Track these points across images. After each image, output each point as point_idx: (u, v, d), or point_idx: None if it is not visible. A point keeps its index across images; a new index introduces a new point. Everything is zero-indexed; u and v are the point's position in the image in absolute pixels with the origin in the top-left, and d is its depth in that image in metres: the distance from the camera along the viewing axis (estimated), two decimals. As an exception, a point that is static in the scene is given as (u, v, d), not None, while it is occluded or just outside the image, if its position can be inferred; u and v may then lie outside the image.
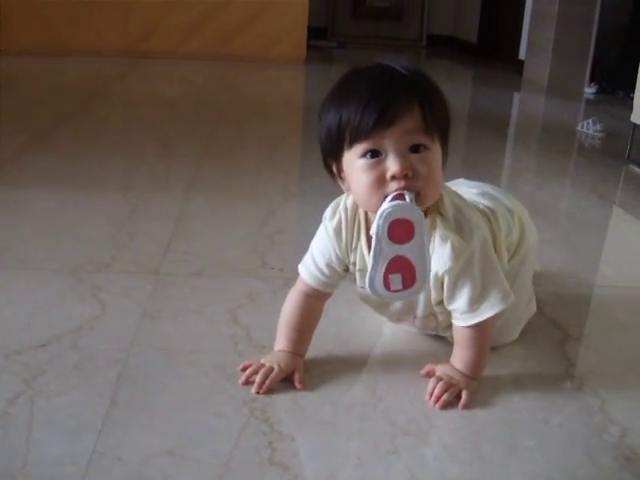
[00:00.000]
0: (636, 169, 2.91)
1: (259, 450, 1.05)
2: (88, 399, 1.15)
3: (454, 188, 1.28)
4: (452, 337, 1.29)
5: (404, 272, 1.12)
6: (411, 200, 1.09)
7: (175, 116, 3.63)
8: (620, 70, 4.74)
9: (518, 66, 5.60)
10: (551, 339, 1.44)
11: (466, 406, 1.18)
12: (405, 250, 1.11)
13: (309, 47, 5.75)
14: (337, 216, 1.25)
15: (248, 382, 1.21)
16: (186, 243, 1.84)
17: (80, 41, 5.25)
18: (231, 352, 1.32)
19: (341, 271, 1.28)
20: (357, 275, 1.27)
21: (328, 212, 1.27)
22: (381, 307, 1.34)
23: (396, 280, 1.12)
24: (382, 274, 1.12)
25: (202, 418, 1.12)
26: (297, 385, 1.21)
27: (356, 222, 1.24)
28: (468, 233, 1.19)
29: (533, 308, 1.47)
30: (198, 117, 3.61)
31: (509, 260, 1.35)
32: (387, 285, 1.13)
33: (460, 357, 1.24)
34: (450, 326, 1.28)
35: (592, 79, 5.00)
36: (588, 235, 2.14)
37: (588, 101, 4.75)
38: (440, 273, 1.19)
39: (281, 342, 1.28)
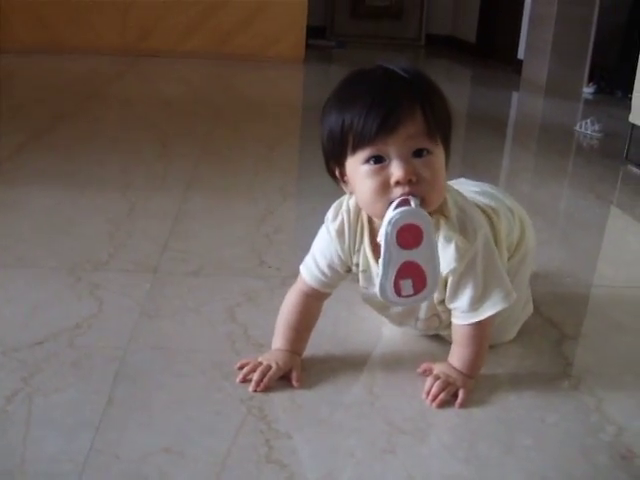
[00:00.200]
0: (634, 169, 2.91)
1: (256, 448, 1.05)
2: (85, 397, 1.16)
3: (456, 187, 1.29)
4: (450, 336, 1.29)
5: (414, 277, 1.12)
6: (417, 205, 1.10)
7: (173, 115, 3.63)
8: (618, 70, 4.75)
9: (517, 66, 5.61)
10: (548, 338, 1.45)
11: (463, 405, 1.18)
12: (414, 255, 1.11)
13: (308, 46, 5.76)
14: (340, 218, 1.25)
15: (245, 380, 1.21)
16: (184, 242, 1.84)
17: (79, 40, 5.25)
18: (228, 350, 1.32)
19: (343, 272, 1.29)
20: (360, 276, 1.28)
21: (330, 213, 1.27)
22: (383, 309, 1.34)
23: (407, 285, 1.12)
24: (393, 281, 1.12)
25: (199, 416, 1.12)
26: (294, 383, 1.21)
27: (359, 224, 1.24)
28: (472, 233, 1.19)
29: (530, 309, 1.47)
30: (196, 116, 3.61)
31: (509, 259, 1.35)
32: (398, 291, 1.13)
33: (458, 355, 1.25)
34: (450, 325, 1.28)
35: (590, 79, 5.01)
36: (586, 235, 2.14)
37: (586, 101, 4.76)
38: (444, 273, 1.19)
39: (279, 341, 1.28)
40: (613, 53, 4.94)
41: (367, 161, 1.12)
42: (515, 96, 5.07)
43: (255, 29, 5.48)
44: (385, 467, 1.04)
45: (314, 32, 6.40)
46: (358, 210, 1.24)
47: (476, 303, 1.20)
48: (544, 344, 1.43)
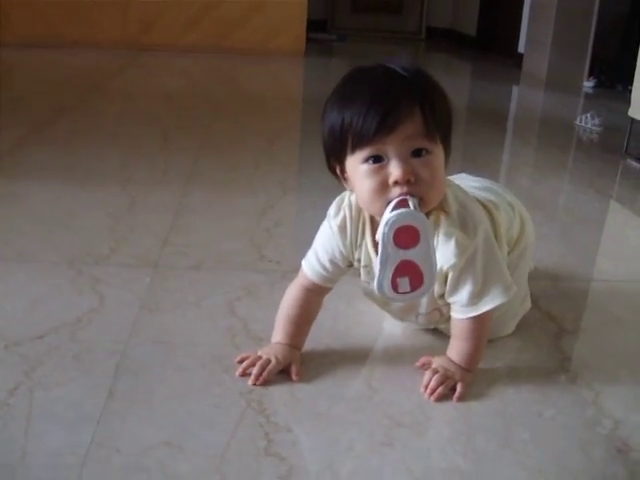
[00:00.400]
0: (634, 163, 2.92)
1: (255, 441, 1.06)
2: (86, 390, 1.17)
3: (457, 182, 1.29)
4: (449, 329, 1.30)
5: (411, 275, 1.13)
6: (414, 205, 1.10)
7: (174, 109, 3.63)
8: (619, 64, 4.75)
9: (517, 59, 5.60)
10: (546, 333, 1.46)
11: (461, 398, 1.19)
12: (411, 255, 1.12)
13: (308, 40, 5.75)
14: (342, 213, 1.25)
15: (245, 374, 1.22)
16: (184, 236, 1.85)
17: (79, 34, 5.25)
18: (228, 344, 1.33)
19: (344, 267, 1.29)
20: (362, 271, 1.28)
21: (332, 209, 1.27)
22: (384, 304, 1.35)
23: (404, 283, 1.13)
24: (390, 278, 1.13)
25: (199, 409, 1.13)
26: (294, 377, 1.22)
27: (361, 219, 1.25)
28: (472, 229, 1.20)
29: (528, 304, 1.48)
30: (197, 110, 3.62)
31: (508, 254, 1.36)
32: (395, 288, 1.14)
33: (457, 349, 1.25)
34: (450, 318, 1.29)
35: (591, 73, 5.01)
36: (585, 229, 2.15)
37: (587, 95, 4.76)
38: (445, 268, 1.20)
39: (279, 334, 1.29)
40: (614, 46, 4.93)
41: (366, 160, 1.13)
42: (515, 90, 5.07)
43: (256, 23, 5.48)
44: (384, 460, 1.04)
45: (315, 25, 6.40)
46: (360, 206, 1.25)
47: (475, 297, 1.21)
48: (542, 338, 1.43)
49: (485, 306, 1.21)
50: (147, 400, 1.15)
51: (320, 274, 1.29)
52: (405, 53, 6.55)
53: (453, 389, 1.21)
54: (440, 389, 1.20)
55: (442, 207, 1.19)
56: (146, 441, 1.05)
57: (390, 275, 1.13)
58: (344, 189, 1.25)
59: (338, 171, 1.20)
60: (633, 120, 3.00)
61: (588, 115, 3.59)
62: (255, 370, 1.21)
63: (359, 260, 1.27)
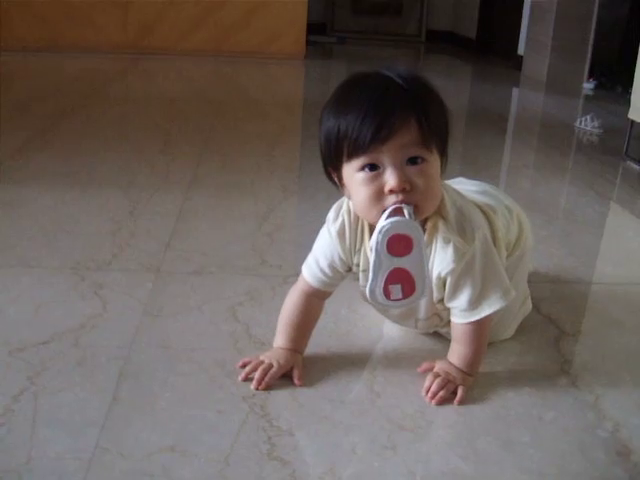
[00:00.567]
0: (633, 165, 2.92)
1: (258, 445, 1.07)
2: (90, 396, 1.17)
3: (454, 186, 1.30)
4: (449, 333, 1.31)
5: (403, 283, 1.14)
6: (409, 213, 1.11)
7: (175, 113, 3.64)
8: (619, 66, 4.76)
9: (517, 62, 5.61)
10: (546, 336, 1.46)
11: (462, 402, 1.20)
12: (404, 263, 1.13)
13: (308, 43, 5.76)
14: (340, 219, 1.26)
15: (247, 379, 1.23)
16: (186, 241, 1.86)
17: (80, 38, 5.25)
18: (231, 349, 1.34)
19: (343, 272, 1.30)
20: (360, 275, 1.29)
21: (331, 214, 1.28)
22: (383, 309, 1.36)
23: (396, 290, 1.15)
24: (382, 285, 1.15)
25: (202, 414, 1.14)
26: (296, 381, 1.23)
27: (359, 224, 1.26)
28: (470, 234, 1.21)
29: (528, 307, 1.49)
30: (198, 114, 3.63)
31: (507, 257, 1.36)
32: (387, 295, 1.15)
33: (457, 353, 1.26)
34: (450, 322, 1.30)
35: (591, 75, 5.02)
36: (585, 232, 2.15)
37: (587, 97, 4.76)
38: (443, 274, 1.22)
39: (280, 339, 1.30)
40: (614, 48, 4.94)
41: (362, 169, 1.14)
42: (515, 92, 5.08)
43: (256, 26, 5.48)
44: (385, 463, 1.05)
45: (315, 28, 6.40)
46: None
47: (474, 302, 1.22)
48: (542, 341, 1.44)
49: (484, 311, 1.22)
50: (150, 405, 1.16)
51: (320, 279, 1.30)
52: (405, 55, 6.57)
53: (454, 393, 1.22)
54: (441, 393, 1.21)
55: (440, 213, 1.20)
56: (150, 446, 1.06)
57: (382, 282, 1.14)
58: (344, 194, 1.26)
59: (335, 177, 1.21)
60: (633, 122, 3.00)
61: (588, 117, 3.60)
62: (257, 375, 1.22)
63: (358, 265, 1.27)
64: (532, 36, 5.37)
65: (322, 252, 1.29)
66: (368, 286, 1.16)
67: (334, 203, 1.29)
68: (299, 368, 1.26)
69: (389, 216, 1.12)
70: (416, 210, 1.13)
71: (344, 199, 1.27)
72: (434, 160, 1.15)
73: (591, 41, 4.96)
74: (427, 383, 1.23)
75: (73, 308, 1.47)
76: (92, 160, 2.59)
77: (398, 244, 1.12)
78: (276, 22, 5.51)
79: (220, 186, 2.36)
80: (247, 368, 1.24)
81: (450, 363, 1.26)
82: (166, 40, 5.41)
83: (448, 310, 1.28)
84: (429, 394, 1.21)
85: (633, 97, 3.03)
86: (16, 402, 1.14)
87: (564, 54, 5.01)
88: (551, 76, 5.05)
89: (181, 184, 2.34)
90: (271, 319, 1.36)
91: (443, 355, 1.29)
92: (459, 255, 1.19)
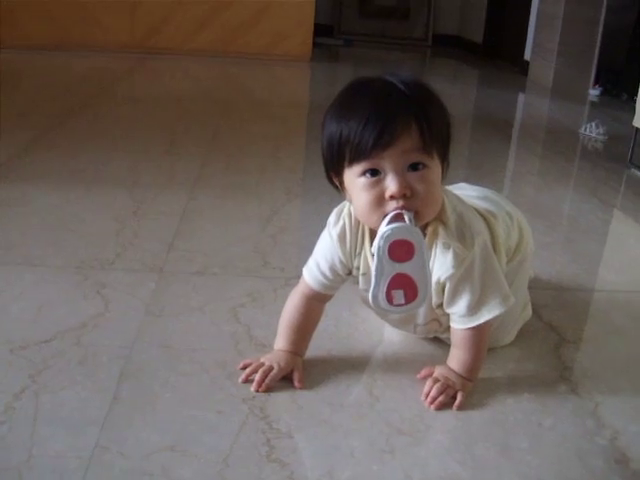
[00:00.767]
0: (637, 173, 2.92)
1: (257, 447, 1.08)
2: (91, 395, 1.18)
3: (456, 192, 1.31)
4: (449, 338, 1.31)
5: (406, 288, 1.15)
6: (410, 219, 1.12)
7: (181, 113, 3.65)
8: (625, 73, 4.76)
9: (523, 67, 5.61)
10: (547, 342, 1.47)
11: (461, 407, 1.21)
12: (406, 268, 1.14)
13: (315, 45, 5.76)
14: (341, 222, 1.27)
15: (248, 380, 1.23)
16: (189, 241, 1.86)
17: (86, 37, 5.26)
18: (232, 350, 1.35)
19: (344, 275, 1.31)
20: (360, 279, 1.30)
21: (332, 218, 1.29)
22: (383, 313, 1.37)
23: (398, 295, 1.15)
24: (385, 291, 1.15)
25: (202, 415, 1.15)
26: (296, 384, 1.24)
27: (360, 228, 1.26)
28: (469, 240, 1.21)
29: (529, 312, 1.49)
30: (204, 114, 3.63)
31: (507, 263, 1.37)
32: (390, 300, 1.16)
33: (457, 359, 1.27)
34: (450, 327, 1.30)
35: (597, 81, 5.02)
36: (588, 239, 2.15)
37: (592, 103, 4.76)
38: (442, 279, 1.22)
39: (281, 342, 1.31)
40: (620, 55, 4.94)
41: (363, 174, 1.14)
42: (521, 97, 5.08)
43: (263, 27, 5.49)
44: (384, 467, 1.06)
45: (321, 30, 6.41)
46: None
47: (473, 308, 1.22)
48: (543, 348, 1.45)
49: (483, 316, 1.22)
50: (151, 405, 1.17)
51: (320, 282, 1.30)
52: (411, 59, 6.57)
53: (453, 398, 1.22)
54: (440, 398, 1.21)
55: (440, 218, 1.21)
56: (150, 445, 1.06)
57: (385, 288, 1.15)
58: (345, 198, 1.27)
59: (336, 182, 1.22)
60: (638, 130, 3.00)
61: (593, 124, 3.60)
62: (257, 377, 1.23)
63: (358, 268, 1.28)
64: (538, 42, 5.38)
65: (323, 255, 1.29)
66: (371, 292, 1.16)
67: (336, 206, 1.30)
68: (299, 371, 1.26)
69: (390, 222, 1.12)
70: (416, 216, 1.14)
71: (345, 203, 1.27)
72: (435, 166, 1.16)
73: (597, 47, 4.96)
74: (426, 388, 1.23)
75: (75, 307, 1.48)
76: (98, 159, 2.60)
77: (400, 250, 1.12)
78: (283, 23, 5.51)
79: (224, 187, 2.37)
80: (247, 370, 1.25)
81: (449, 368, 1.26)
82: (173, 40, 5.41)
83: (447, 315, 1.29)
84: (428, 399, 1.21)
85: (638, 104, 3.03)
86: (17, 400, 1.15)
87: (570, 60, 5.01)
88: (557, 82, 5.05)
89: (186, 184, 2.35)
90: (272, 321, 1.37)
91: (443, 360, 1.29)
92: (458, 261, 1.20)
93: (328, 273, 1.29)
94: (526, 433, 1.16)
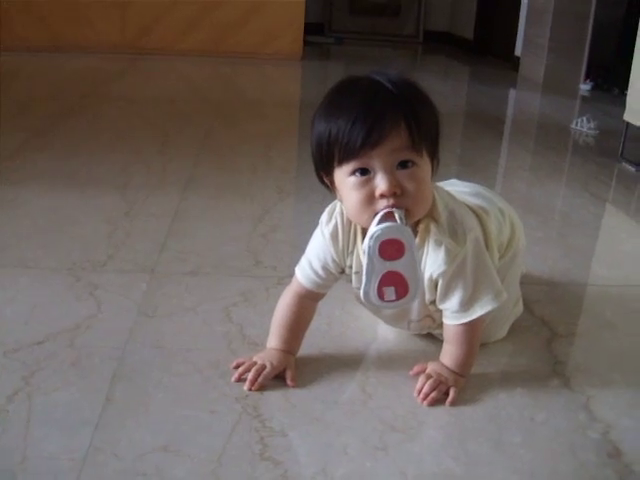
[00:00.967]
0: (628, 167, 2.93)
1: (251, 445, 1.08)
2: (85, 396, 1.18)
3: (448, 188, 1.31)
4: (442, 334, 1.31)
5: (397, 285, 1.16)
6: (400, 217, 1.13)
7: (172, 113, 3.64)
8: (616, 67, 4.76)
9: (514, 63, 5.62)
10: (539, 337, 1.47)
11: (453, 403, 1.21)
12: (396, 266, 1.14)
13: (306, 43, 5.76)
14: (333, 221, 1.27)
15: (240, 379, 1.24)
16: (181, 241, 1.87)
17: (78, 38, 5.26)
18: (224, 350, 1.35)
19: (336, 273, 1.31)
20: (353, 277, 1.30)
21: (324, 217, 1.29)
22: (376, 310, 1.37)
23: (390, 292, 1.16)
24: (376, 288, 1.16)
25: (195, 414, 1.15)
26: (289, 382, 1.24)
27: (352, 226, 1.26)
28: (461, 236, 1.22)
29: (520, 308, 1.50)
30: (195, 114, 3.63)
31: (499, 259, 1.37)
32: (381, 296, 1.16)
33: (450, 355, 1.27)
34: (442, 324, 1.31)
35: (587, 76, 5.03)
36: (580, 233, 2.16)
37: (583, 98, 4.77)
38: (435, 276, 1.22)
39: (273, 340, 1.31)
40: (610, 50, 4.95)
41: (353, 173, 1.14)
42: (512, 93, 5.09)
43: (253, 26, 5.49)
44: (377, 464, 1.06)
45: (312, 29, 6.40)
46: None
47: (466, 304, 1.22)
48: (535, 343, 1.45)
49: (476, 312, 1.23)
50: (144, 405, 1.17)
51: (313, 280, 1.30)
52: (402, 56, 6.57)
53: (446, 394, 1.22)
54: (433, 394, 1.21)
55: (432, 215, 1.21)
56: (143, 446, 1.07)
57: (376, 285, 1.15)
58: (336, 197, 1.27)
59: (327, 181, 1.22)
60: (628, 124, 3.01)
61: (584, 118, 3.61)
62: (250, 375, 1.23)
63: (350, 266, 1.28)
64: (529, 37, 5.38)
65: (315, 254, 1.30)
66: (362, 288, 1.17)
67: (329, 205, 1.30)
68: (292, 369, 1.26)
69: (380, 221, 1.13)
70: (407, 214, 1.14)
71: (337, 202, 1.28)
72: (424, 164, 1.16)
73: (588, 43, 4.97)
74: (419, 384, 1.23)
75: (68, 308, 1.48)
76: (90, 160, 2.60)
77: (390, 248, 1.13)
78: (273, 22, 5.51)
79: (216, 187, 2.37)
80: (240, 369, 1.25)
81: (442, 364, 1.27)
82: (164, 40, 5.41)
83: (441, 312, 1.29)
84: (421, 395, 1.22)
85: (629, 99, 3.04)
86: (11, 402, 1.15)
87: (561, 55, 5.02)
88: (548, 77, 5.06)
89: (177, 185, 2.35)
90: (265, 320, 1.37)
91: (436, 356, 1.30)
92: (451, 257, 1.20)
93: (321, 272, 1.30)
94: (519, 428, 1.16)
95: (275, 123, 3.55)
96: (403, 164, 1.14)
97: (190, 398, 1.19)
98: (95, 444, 1.06)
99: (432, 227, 1.20)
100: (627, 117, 3.01)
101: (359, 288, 1.27)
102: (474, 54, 6.57)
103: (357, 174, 1.14)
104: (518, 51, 5.61)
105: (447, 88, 4.71)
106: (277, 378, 1.25)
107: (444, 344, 1.29)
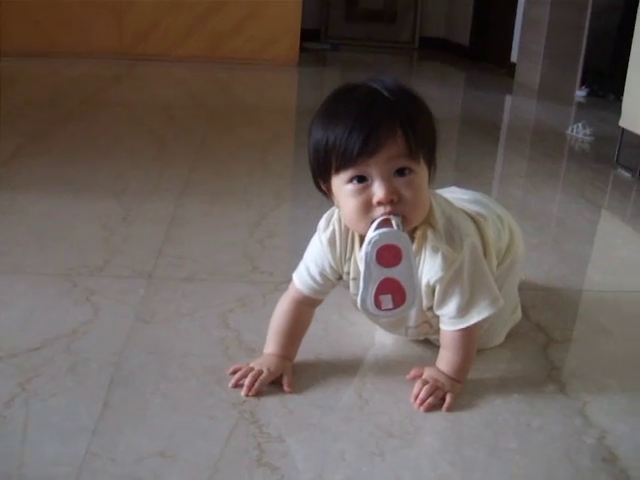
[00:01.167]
0: (624, 173, 2.94)
1: (248, 451, 1.08)
2: (82, 401, 1.18)
3: (446, 195, 1.32)
4: (439, 340, 1.32)
5: (394, 293, 1.16)
6: (397, 224, 1.13)
7: (169, 119, 3.65)
8: (611, 73, 4.78)
9: (510, 69, 5.64)
10: (535, 342, 1.48)
11: (450, 409, 1.21)
12: (393, 273, 1.15)
13: (302, 49, 5.78)
14: (331, 227, 1.28)
15: (237, 385, 1.24)
16: (178, 247, 1.87)
17: (75, 44, 5.27)
18: (221, 356, 1.35)
19: (334, 280, 1.31)
20: (351, 283, 1.30)
21: (322, 223, 1.30)
22: (373, 317, 1.37)
23: (387, 300, 1.17)
24: (373, 295, 1.17)
25: (192, 420, 1.15)
26: (285, 388, 1.24)
27: (350, 233, 1.27)
28: (458, 243, 1.22)
29: (518, 315, 1.50)
30: (192, 120, 3.64)
31: (498, 266, 1.37)
32: (378, 305, 1.17)
33: (446, 360, 1.27)
34: (439, 330, 1.31)
35: (583, 82, 5.04)
36: (575, 239, 2.17)
37: (579, 104, 4.79)
38: (432, 282, 1.23)
39: (271, 346, 1.31)
40: (606, 56, 4.97)
41: (350, 181, 1.15)
42: (508, 99, 5.10)
43: (250, 32, 5.51)
44: (374, 470, 1.06)
45: (308, 35, 6.42)
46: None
47: (463, 310, 1.23)
48: (531, 348, 1.45)
49: (473, 318, 1.23)
50: (141, 411, 1.17)
51: (311, 286, 1.31)
52: (398, 63, 6.58)
53: (442, 399, 1.22)
54: (430, 399, 1.21)
55: (429, 222, 1.21)
56: (140, 451, 1.07)
57: (373, 292, 1.16)
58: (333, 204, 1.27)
59: (324, 188, 1.23)
60: (624, 130, 3.02)
61: (580, 125, 3.62)
62: (247, 381, 1.23)
63: (348, 273, 1.29)
64: (525, 44, 5.40)
65: (313, 260, 1.30)
66: (359, 296, 1.18)
67: (326, 211, 1.31)
68: (289, 375, 1.27)
69: (377, 227, 1.13)
70: (404, 221, 1.15)
71: (335, 208, 1.28)
72: (421, 171, 1.17)
73: (583, 49, 4.99)
74: (415, 390, 1.24)
75: (65, 314, 1.48)
76: (86, 166, 2.60)
77: (387, 255, 1.13)
78: (270, 29, 5.53)
79: (213, 193, 2.38)
80: (237, 375, 1.25)
81: (439, 370, 1.27)
82: (161, 46, 5.42)
83: (438, 318, 1.29)
84: (417, 401, 1.22)
85: (624, 105, 3.05)
86: (7, 408, 1.15)
87: (557, 62, 5.04)
88: (544, 83, 5.08)
89: (174, 191, 2.35)
90: (262, 326, 1.37)
91: (432, 362, 1.30)
92: (447, 263, 1.20)
93: (318, 278, 1.30)
94: (515, 433, 1.17)
95: (272, 129, 3.55)
96: (400, 171, 1.14)
97: (187, 404, 1.19)
98: (92, 450, 1.06)
99: (429, 233, 1.21)
100: (623, 123, 3.02)
101: (356, 294, 1.28)
102: (470, 60, 6.59)
103: (354, 182, 1.15)
104: (514, 57, 5.63)
105: (443, 94, 4.72)
106: (274, 384, 1.25)
107: (441, 350, 1.30)
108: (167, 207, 2.17)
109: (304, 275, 1.31)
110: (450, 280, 1.22)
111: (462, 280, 1.22)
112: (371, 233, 1.14)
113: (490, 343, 1.42)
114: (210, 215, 2.15)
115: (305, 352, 1.34)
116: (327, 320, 1.48)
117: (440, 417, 1.20)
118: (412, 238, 1.21)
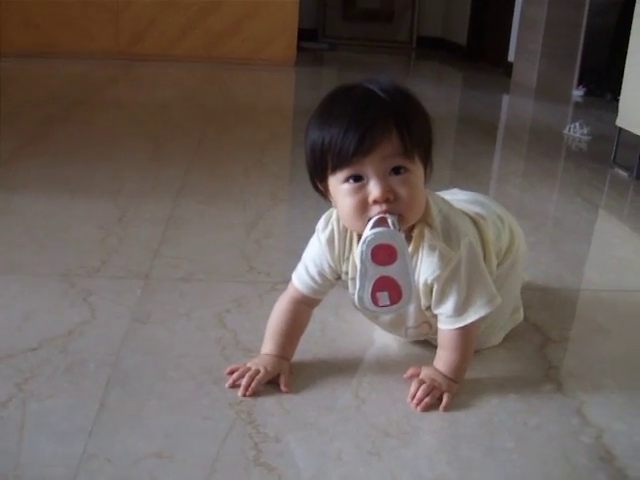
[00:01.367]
0: (621, 172, 2.94)
1: (245, 451, 1.08)
2: (78, 402, 1.18)
3: (447, 197, 1.32)
4: (436, 340, 1.32)
5: (390, 290, 1.17)
6: (393, 223, 1.14)
7: (166, 119, 3.65)
8: (608, 73, 4.79)
9: (507, 68, 5.64)
10: (532, 342, 1.47)
11: (447, 408, 1.21)
12: (389, 271, 1.15)
13: (299, 49, 5.78)
14: (329, 227, 1.28)
15: (234, 385, 1.24)
16: (175, 248, 1.87)
17: (72, 44, 5.27)
18: (218, 356, 1.35)
19: (333, 279, 1.32)
20: (349, 283, 1.30)
21: (321, 223, 1.30)
22: (374, 317, 1.38)
23: (384, 297, 1.17)
24: (369, 293, 1.17)
25: (189, 420, 1.15)
26: (282, 388, 1.24)
27: (348, 233, 1.27)
28: (455, 241, 1.22)
29: (519, 317, 1.50)
30: (188, 120, 3.64)
31: (498, 265, 1.37)
32: (376, 302, 1.18)
33: (444, 360, 1.27)
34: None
35: (580, 81, 5.05)
36: (573, 239, 2.17)
37: (576, 104, 4.79)
38: (429, 281, 1.23)
39: (268, 346, 1.31)
40: (603, 55, 4.97)
41: (346, 180, 1.16)
42: (505, 98, 5.10)
43: (247, 32, 5.51)
44: (370, 470, 1.06)
45: (305, 35, 6.43)
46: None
47: (460, 308, 1.23)
48: (528, 348, 1.45)
49: (470, 317, 1.23)
50: (138, 411, 1.17)
51: (309, 286, 1.31)
52: (395, 62, 6.58)
53: (440, 399, 1.22)
54: (427, 399, 1.21)
55: (425, 220, 1.22)
56: (137, 452, 1.07)
57: (369, 290, 1.17)
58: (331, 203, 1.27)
59: (321, 188, 1.23)
60: (621, 129, 3.03)
61: (577, 124, 3.62)
62: (244, 381, 1.23)
63: (347, 273, 1.29)
64: (522, 43, 5.40)
65: (312, 259, 1.30)
66: (356, 294, 1.18)
67: (323, 211, 1.31)
68: (286, 375, 1.27)
69: (373, 226, 1.14)
70: (400, 219, 1.15)
71: (334, 208, 1.28)
72: (417, 170, 1.17)
73: (580, 48, 5.00)
74: (412, 389, 1.23)
75: (62, 315, 1.48)
76: (83, 167, 2.60)
77: (382, 253, 1.14)
78: (267, 28, 5.53)
79: (209, 193, 2.37)
80: (234, 375, 1.25)
81: (436, 369, 1.27)
82: (158, 46, 5.42)
83: (437, 317, 1.29)
84: (414, 400, 1.22)
85: (621, 104, 3.05)
86: (4, 409, 1.15)
87: (554, 61, 5.04)
88: (541, 83, 5.08)
89: (170, 191, 2.35)
90: (258, 326, 1.37)
91: (430, 361, 1.30)
92: (444, 262, 1.21)
93: (317, 277, 1.30)
94: (512, 433, 1.17)
95: (268, 129, 3.55)
96: (396, 170, 1.15)
97: (184, 404, 1.19)
98: (89, 450, 1.06)
99: (426, 232, 1.21)
100: (620, 123, 3.02)
101: (355, 294, 1.28)
102: (467, 60, 6.60)
103: (350, 181, 1.15)
104: (511, 57, 5.64)
105: (440, 94, 4.72)
106: (271, 384, 1.25)
107: (438, 349, 1.30)
108: (164, 208, 2.17)
109: (303, 275, 1.31)
110: (447, 278, 1.22)
111: (459, 278, 1.22)
112: (366, 232, 1.14)
113: (488, 343, 1.42)
114: (207, 215, 2.15)
115: (302, 352, 1.34)
116: (324, 320, 1.48)
117: (437, 417, 1.20)
118: (409, 237, 1.22)
